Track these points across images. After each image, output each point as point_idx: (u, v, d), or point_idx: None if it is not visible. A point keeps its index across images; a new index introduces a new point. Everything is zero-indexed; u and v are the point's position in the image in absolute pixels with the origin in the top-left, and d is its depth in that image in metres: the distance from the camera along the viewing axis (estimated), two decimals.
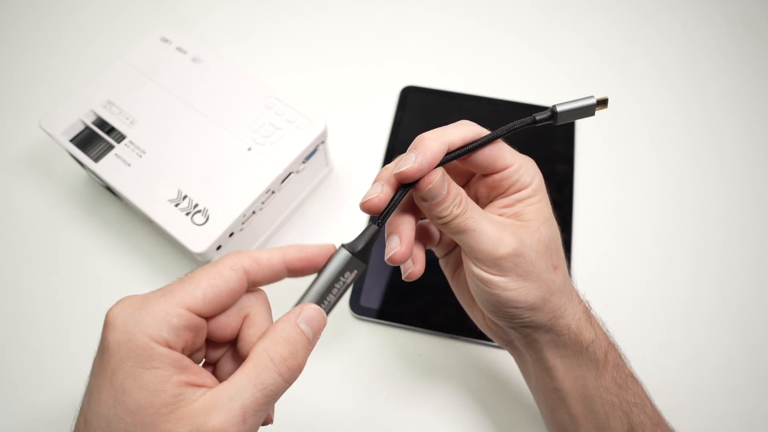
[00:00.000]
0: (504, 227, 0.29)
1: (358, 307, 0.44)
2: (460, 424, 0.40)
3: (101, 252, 0.47)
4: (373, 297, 0.44)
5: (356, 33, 0.60)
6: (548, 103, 0.54)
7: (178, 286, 0.24)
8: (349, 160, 0.52)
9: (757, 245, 0.47)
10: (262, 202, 0.42)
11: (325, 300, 0.27)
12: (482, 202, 0.32)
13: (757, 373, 0.42)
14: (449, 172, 0.30)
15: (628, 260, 0.47)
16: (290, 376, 0.24)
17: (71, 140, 0.43)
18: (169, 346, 0.22)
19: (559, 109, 0.27)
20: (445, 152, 0.28)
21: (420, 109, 0.54)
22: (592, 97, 0.27)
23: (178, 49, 0.47)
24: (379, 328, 0.44)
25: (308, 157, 0.44)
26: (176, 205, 0.40)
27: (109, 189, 0.45)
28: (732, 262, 0.46)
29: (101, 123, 0.44)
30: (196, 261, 0.44)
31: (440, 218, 0.28)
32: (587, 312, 0.32)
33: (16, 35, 0.60)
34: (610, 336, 0.33)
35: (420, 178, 0.27)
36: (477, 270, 0.29)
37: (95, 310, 0.44)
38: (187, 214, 0.40)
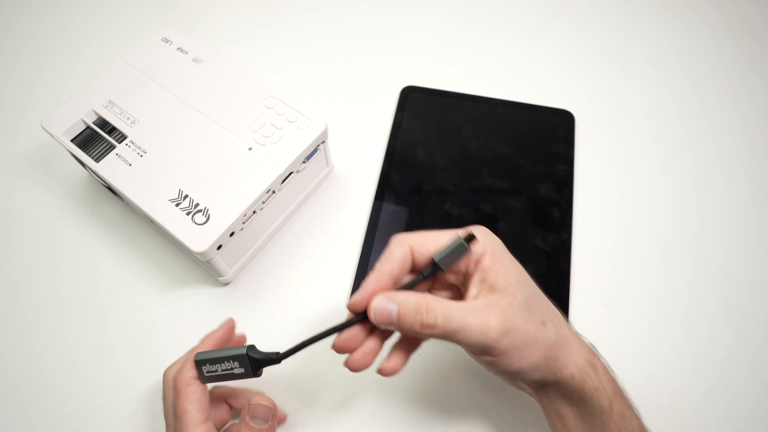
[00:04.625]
0: (484, 310, 0.29)
1: None
2: (459, 423, 0.40)
3: (102, 251, 0.47)
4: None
5: (356, 33, 0.60)
6: (548, 103, 0.55)
7: None
8: (350, 160, 0.52)
9: (757, 245, 0.47)
10: (263, 202, 0.42)
11: (210, 366, 0.33)
12: (459, 287, 0.33)
13: (757, 373, 0.42)
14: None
15: (627, 260, 0.47)
16: None
17: (72, 140, 0.43)
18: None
19: (436, 258, 0.31)
20: (389, 281, 0.31)
21: (420, 109, 0.54)
22: (458, 238, 0.31)
23: (179, 49, 0.47)
24: None
25: (309, 157, 0.45)
26: (177, 205, 0.40)
27: (110, 189, 0.45)
28: (732, 262, 0.46)
29: (102, 123, 0.44)
30: (197, 260, 0.44)
31: (417, 333, 0.30)
32: (591, 357, 0.32)
33: (17, 36, 0.60)
34: (619, 383, 0.32)
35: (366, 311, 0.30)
36: (478, 358, 0.30)
37: (96, 309, 0.45)
38: (188, 213, 0.40)
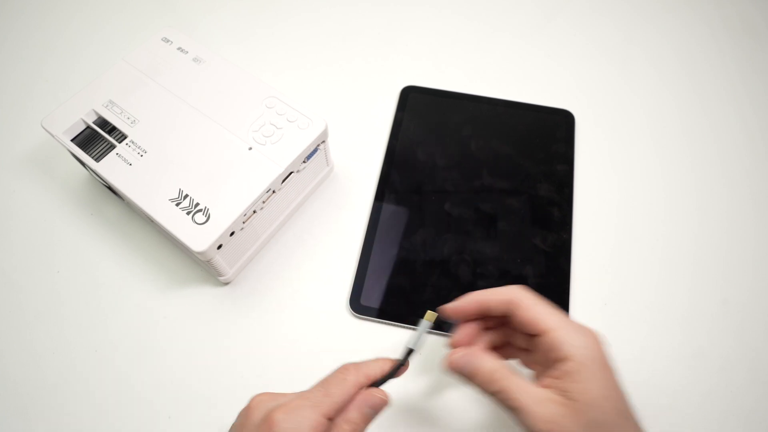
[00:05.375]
0: (544, 403, 0.29)
1: (358, 307, 0.44)
2: (460, 423, 0.40)
3: (102, 251, 0.47)
4: (373, 296, 0.44)
5: (356, 33, 0.60)
6: (548, 103, 0.55)
7: (320, 397, 0.30)
8: (350, 160, 0.52)
9: (758, 246, 0.47)
10: (263, 202, 0.42)
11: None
12: (539, 366, 0.33)
13: (757, 373, 0.42)
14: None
15: (627, 260, 0.47)
16: None
17: (73, 140, 0.43)
18: None
19: (410, 345, 0.33)
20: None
21: (420, 109, 0.54)
22: (421, 320, 0.33)
23: (180, 49, 0.47)
24: (379, 327, 0.44)
25: (309, 157, 0.45)
26: (177, 205, 0.40)
27: (111, 188, 0.45)
28: (732, 262, 0.47)
29: (103, 123, 0.44)
30: (197, 260, 0.44)
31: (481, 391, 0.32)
32: None
33: (17, 36, 0.60)
34: None
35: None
36: None
37: (96, 309, 0.45)
38: (188, 213, 0.40)
